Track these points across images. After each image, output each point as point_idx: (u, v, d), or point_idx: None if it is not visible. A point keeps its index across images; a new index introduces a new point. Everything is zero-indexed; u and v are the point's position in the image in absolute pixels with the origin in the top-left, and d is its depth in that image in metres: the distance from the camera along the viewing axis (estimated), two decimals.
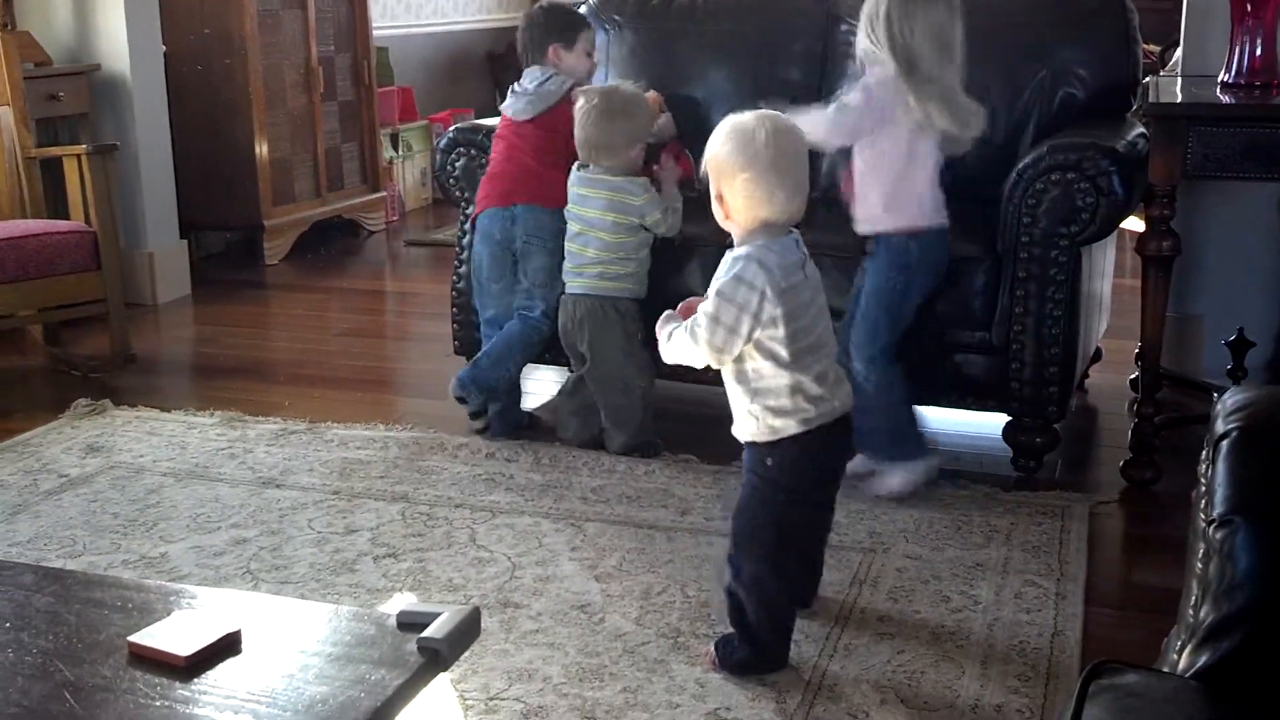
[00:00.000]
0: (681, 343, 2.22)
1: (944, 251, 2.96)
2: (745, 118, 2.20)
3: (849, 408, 2.27)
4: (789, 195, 2.17)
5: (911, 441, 2.97)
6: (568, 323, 3.25)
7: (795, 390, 2.18)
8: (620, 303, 3.21)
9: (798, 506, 2.26)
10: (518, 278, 3.38)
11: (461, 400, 3.35)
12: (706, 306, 2.18)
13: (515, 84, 3.47)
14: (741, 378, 2.21)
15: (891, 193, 2.88)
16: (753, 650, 2.25)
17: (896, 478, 2.95)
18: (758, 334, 2.15)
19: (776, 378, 2.18)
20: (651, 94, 3.67)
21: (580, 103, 3.23)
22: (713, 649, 2.28)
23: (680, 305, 2.31)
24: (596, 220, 3.20)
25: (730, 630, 2.27)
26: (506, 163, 3.39)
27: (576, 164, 3.27)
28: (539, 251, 3.34)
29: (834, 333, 2.34)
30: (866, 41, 2.87)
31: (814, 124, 2.74)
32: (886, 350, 2.93)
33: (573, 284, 3.25)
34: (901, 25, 2.80)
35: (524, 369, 3.43)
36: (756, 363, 2.18)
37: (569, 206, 3.26)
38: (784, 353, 2.16)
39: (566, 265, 3.27)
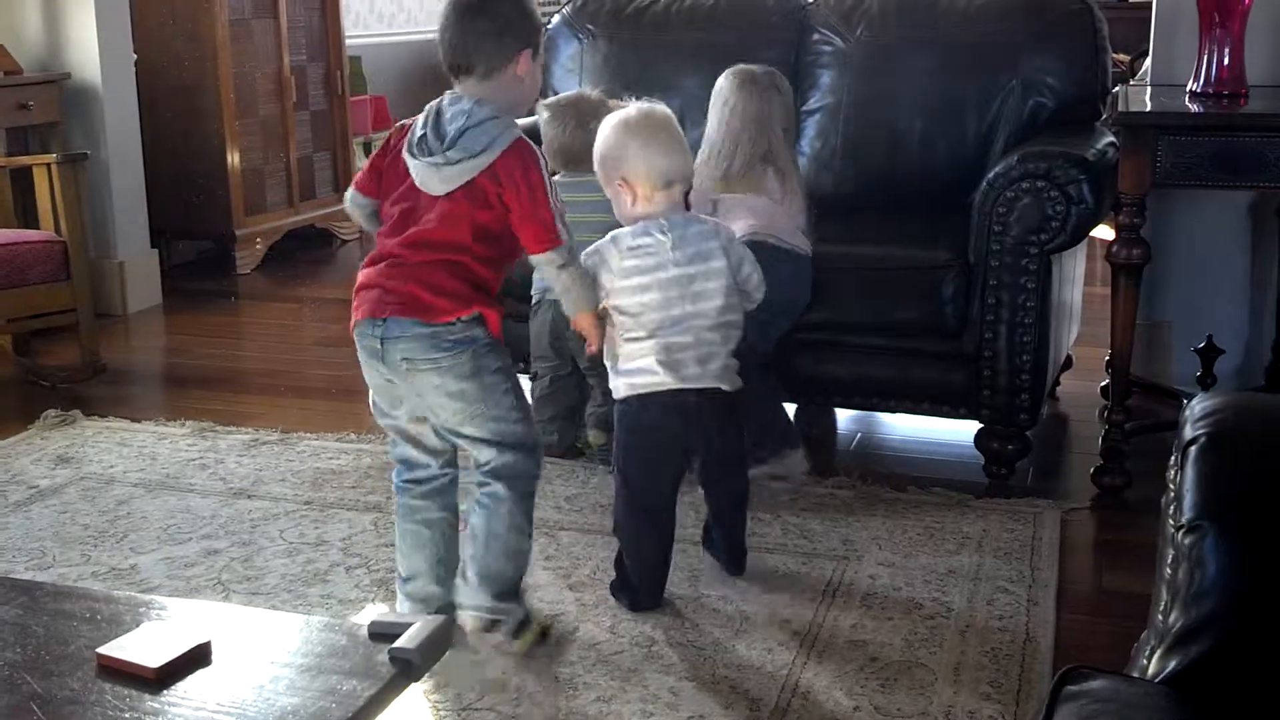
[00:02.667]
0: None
1: None
2: (615, 116, 2.51)
3: (701, 385, 2.44)
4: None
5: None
6: (558, 320, 3.02)
7: (631, 358, 2.44)
8: None
9: (635, 463, 2.50)
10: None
11: None
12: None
13: (434, 109, 2.29)
14: (608, 339, 2.47)
15: None
16: (618, 579, 2.55)
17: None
18: (606, 292, 2.43)
19: (623, 344, 2.45)
20: (614, 102, 3.67)
21: (547, 114, 3.14)
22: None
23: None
24: (593, 224, 2.96)
25: None
26: (396, 254, 2.26)
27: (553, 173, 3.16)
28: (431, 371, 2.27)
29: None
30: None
31: None
32: None
33: None
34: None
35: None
36: (612, 329, 2.46)
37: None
38: (627, 320, 2.43)
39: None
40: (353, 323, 2.32)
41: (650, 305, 2.41)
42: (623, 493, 2.53)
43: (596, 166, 2.52)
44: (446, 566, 2.38)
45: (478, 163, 2.21)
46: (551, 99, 3.28)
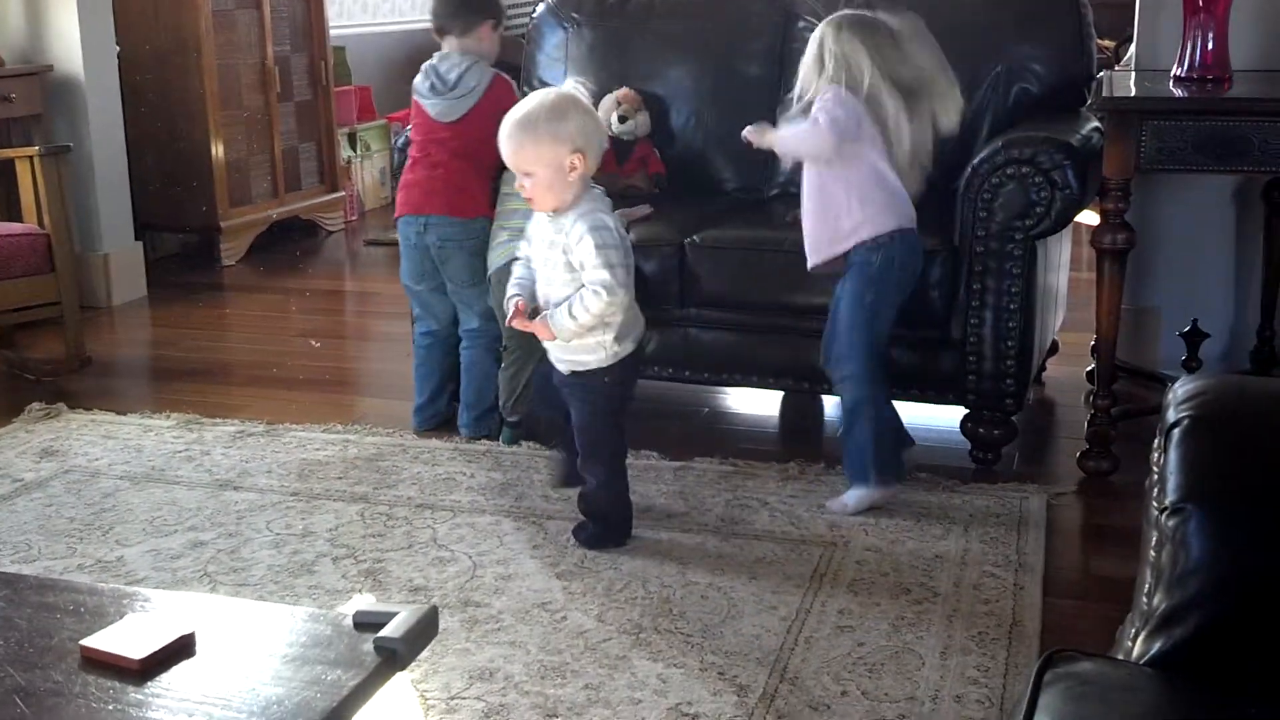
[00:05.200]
0: (593, 306, 2.56)
1: (915, 254, 2.89)
2: (552, 95, 2.66)
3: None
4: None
5: (874, 467, 2.86)
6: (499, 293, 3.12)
7: (629, 310, 2.65)
8: None
9: (622, 412, 2.75)
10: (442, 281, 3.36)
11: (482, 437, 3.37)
12: (599, 265, 2.55)
13: (431, 67, 3.30)
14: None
15: (865, 200, 2.81)
16: (607, 529, 2.73)
17: (849, 498, 2.89)
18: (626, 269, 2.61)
19: (624, 309, 2.63)
20: (625, 91, 3.67)
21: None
22: (573, 536, 2.74)
23: (520, 311, 2.66)
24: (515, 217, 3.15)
25: (583, 520, 2.76)
26: (422, 168, 3.29)
27: None
28: (456, 251, 3.26)
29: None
30: (814, 71, 2.84)
31: (803, 136, 2.83)
32: (866, 366, 2.85)
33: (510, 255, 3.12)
34: (851, 57, 2.79)
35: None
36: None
37: (503, 191, 3.20)
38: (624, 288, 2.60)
39: (504, 237, 3.17)
40: (397, 215, 3.34)
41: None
42: (615, 450, 2.75)
43: (548, 138, 2.56)
44: (442, 391, 3.46)
45: (474, 94, 3.23)
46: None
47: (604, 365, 2.65)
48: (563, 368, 2.69)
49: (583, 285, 2.57)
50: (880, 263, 2.82)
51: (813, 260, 2.91)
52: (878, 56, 2.79)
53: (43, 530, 2.85)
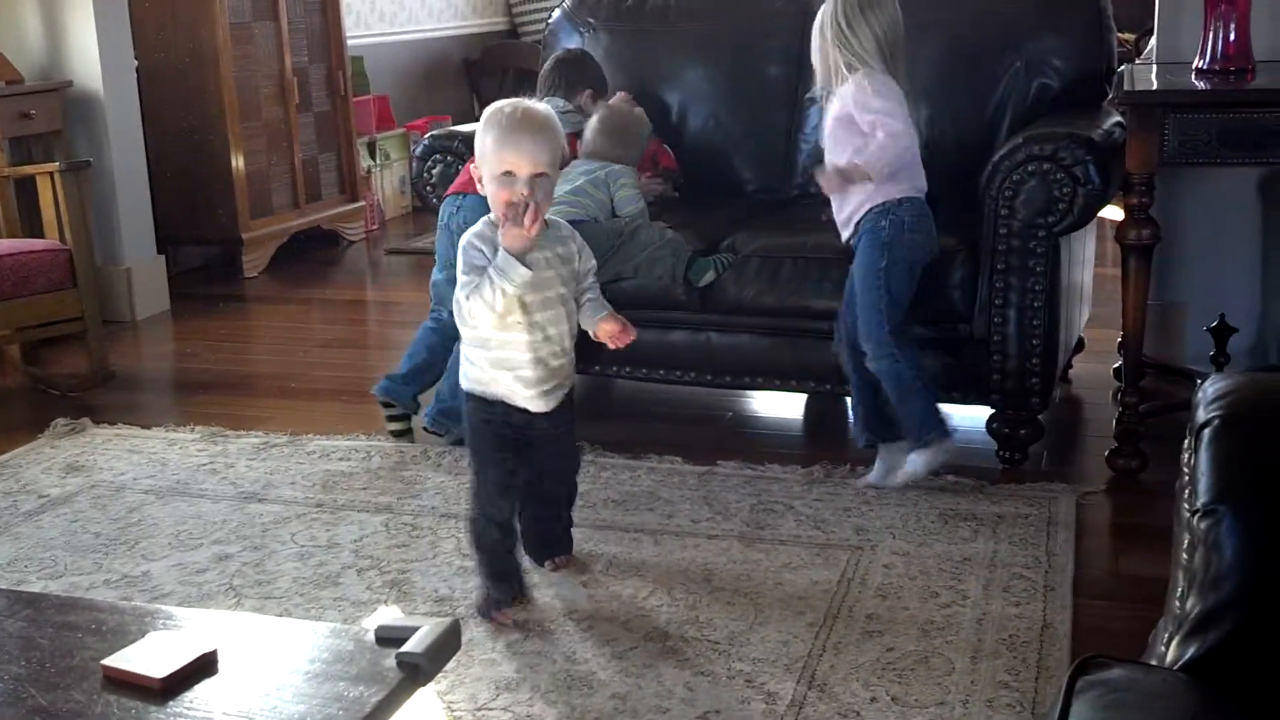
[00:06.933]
0: None
1: (925, 219, 2.93)
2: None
3: None
4: None
5: (932, 423, 2.92)
6: None
7: None
8: None
9: None
10: None
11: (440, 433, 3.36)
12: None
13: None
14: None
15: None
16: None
17: (919, 461, 2.93)
18: None
19: None
20: (620, 94, 3.67)
21: (596, 117, 3.42)
22: (565, 558, 2.66)
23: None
24: (568, 183, 3.26)
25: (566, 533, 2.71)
26: None
27: None
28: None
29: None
30: (838, 53, 2.89)
31: (884, 151, 2.84)
32: (888, 336, 2.90)
33: None
34: (870, 27, 2.87)
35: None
36: None
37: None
38: None
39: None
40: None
41: None
42: None
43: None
44: (423, 374, 3.43)
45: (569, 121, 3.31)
46: (605, 107, 3.50)
47: None
48: (551, 401, 2.46)
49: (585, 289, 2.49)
50: (889, 226, 2.87)
51: (844, 235, 2.99)
52: (881, 21, 2.87)
53: (69, 546, 2.86)
